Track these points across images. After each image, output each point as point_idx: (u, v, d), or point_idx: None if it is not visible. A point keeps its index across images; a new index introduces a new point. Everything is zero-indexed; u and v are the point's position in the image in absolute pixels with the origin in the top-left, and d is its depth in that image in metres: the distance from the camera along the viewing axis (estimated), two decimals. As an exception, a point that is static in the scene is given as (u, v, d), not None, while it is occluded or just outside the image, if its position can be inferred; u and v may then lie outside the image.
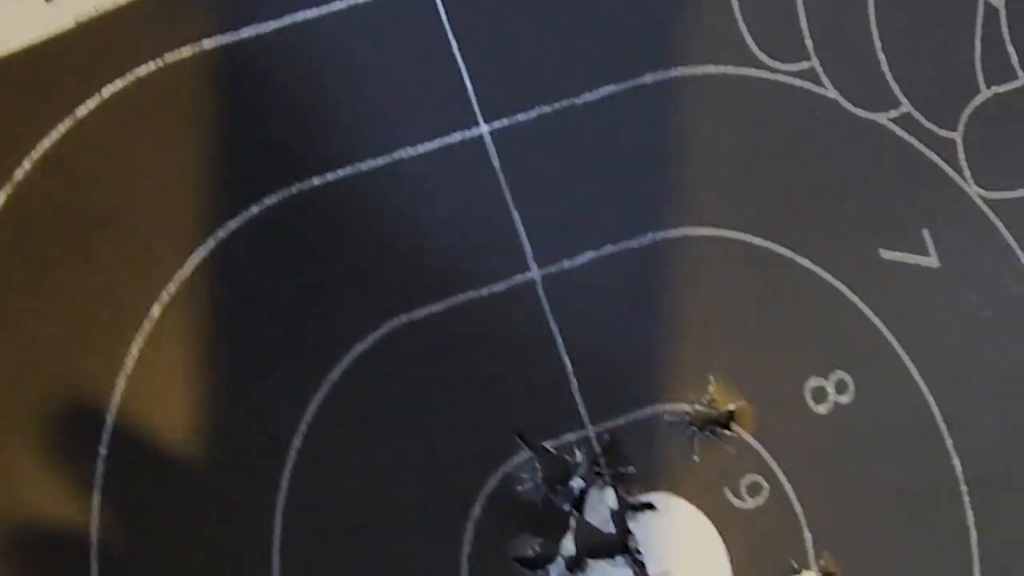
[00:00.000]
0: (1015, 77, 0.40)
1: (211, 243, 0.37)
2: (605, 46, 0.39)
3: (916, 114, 0.39)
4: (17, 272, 0.37)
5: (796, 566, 0.39)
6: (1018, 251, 0.40)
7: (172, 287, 0.37)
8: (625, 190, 0.39)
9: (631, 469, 0.39)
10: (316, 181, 0.38)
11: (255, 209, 0.37)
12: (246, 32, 0.38)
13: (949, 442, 0.40)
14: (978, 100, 0.40)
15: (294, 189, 0.38)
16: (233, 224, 0.37)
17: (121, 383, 0.36)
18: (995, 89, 0.40)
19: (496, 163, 0.39)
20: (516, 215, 0.39)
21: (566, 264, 0.39)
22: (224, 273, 0.37)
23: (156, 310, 0.37)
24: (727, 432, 0.39)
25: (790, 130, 0.39)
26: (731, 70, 0.39)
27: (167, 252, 0.37)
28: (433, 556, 0.38)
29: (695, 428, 0.39)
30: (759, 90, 0.39)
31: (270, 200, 0.38)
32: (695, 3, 0.39)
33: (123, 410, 0.37)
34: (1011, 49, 0.40)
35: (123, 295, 0.37)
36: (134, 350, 0.37)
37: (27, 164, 0.37)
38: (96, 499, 0.36)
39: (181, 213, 0.37)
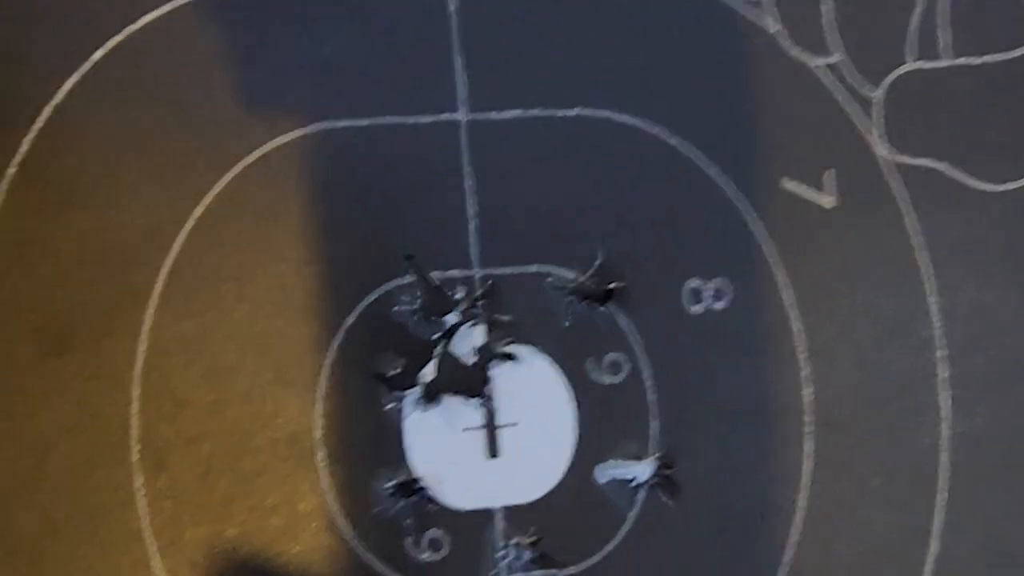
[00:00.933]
0: (938, 58, 0.44)
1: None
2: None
3: (845, 67, 0.43)
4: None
5: (637, 451, 0.42)
6: (906, 212, 0.43)
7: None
8: (565, 63, 0.42)
9: (505, 317, 0.42)
10: None
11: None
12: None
13: (805, 371, 0.43)
14: (903, 70, 0.44)
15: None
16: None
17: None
18: (920, 64, 0.43)
19: (453, 7, 0.41)
20: (459, 59, 0.41)
21: (493, 115, 0.42)
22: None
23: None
24: (601, 308, 0.42)
25: (729, 53, 0.43)
26: None
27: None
28: (301, 353, 0.40)
29: (573, 297, 0.42)
30: (709, 11, 0.43)
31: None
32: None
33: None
34: (941, 34, 0.44)
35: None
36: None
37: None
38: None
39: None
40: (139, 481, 0.39)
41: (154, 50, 0.40)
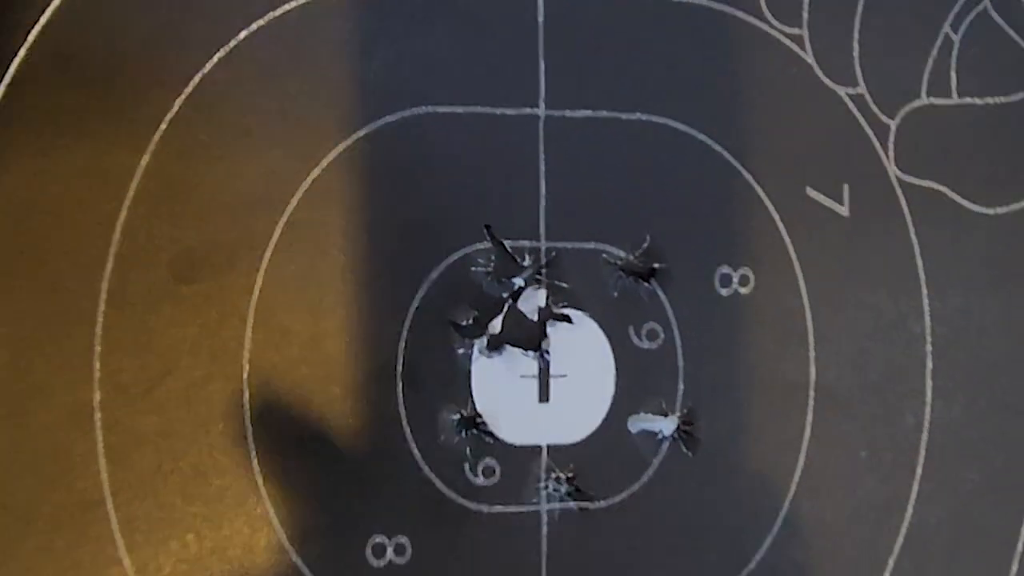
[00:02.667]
0: (950, 96, 0.49)
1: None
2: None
3: (867, 97, 0.48)
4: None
5: (664, 408, 0.47)
6: (909, 225, 0.48)
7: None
8: (631, 74, 0.47)
9: (564, 285, 0.46)
10: None
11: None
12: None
13: (812, 354, 0.47)
14: (917, 103, 0.48)
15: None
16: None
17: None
18: (932, 100, 0.49)
19: (540, 18, 0.47)
20: (542, 63, 0.47)
21: (567, 113, 0.46)
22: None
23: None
24: (645, 284, 0.46)
25: (771, 77, 0.48)
26: (738, 14, 0.48)
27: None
28: (389, 299, 0.45)
29: (622, 272, 0.46)
30: (756, 40, 0.48)
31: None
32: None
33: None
34: (953, 75, 0.49)
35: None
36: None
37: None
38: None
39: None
40: (247, 395, 0.44)
41: (289, 35, 0.45)
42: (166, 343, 0.44)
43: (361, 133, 0.45)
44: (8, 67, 0.43)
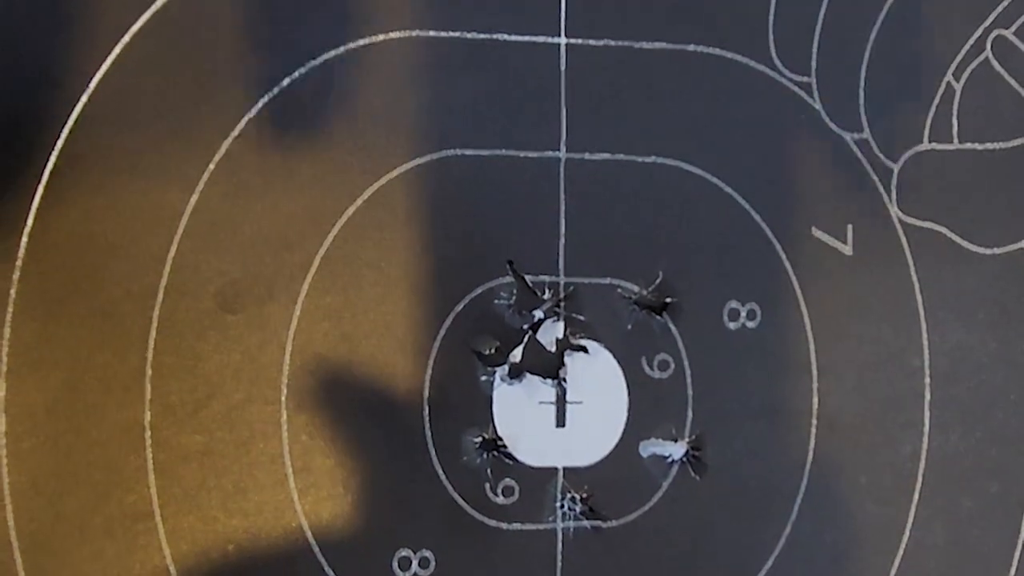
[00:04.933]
0: (951, 142, 0.50)
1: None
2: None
3: (872, 142, 0.50)
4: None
5: (674, 434, 0.48)
6: (910, 264, 0.49)
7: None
8: (647, 120, 0.48)
9: (581, 317, 0.47)
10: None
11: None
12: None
13: (815, 384, 0.48)
14: (920, 148, 0.49)
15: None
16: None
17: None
18: (934, 145, 0.50)
19: (563, 67, 0.48)
20: (564, 109, 0.48)
21: (587, 156, 0.48)
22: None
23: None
24: (658, 317, 0.48)
25: (780, 122, 0.49)
26: (749, 63, 0.50)
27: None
28: (418, 329, 0.47)
29: (636, 305, 0.48)
30: (766, 87, 0.50)
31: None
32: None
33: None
34: (955, 121, 0.50)
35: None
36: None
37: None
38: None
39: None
40: (284, 417, 0.45)
41: (329, 81, 0.47)
42: (211, 368, 0.45)
43: (394, 174, 0.47)
44: (72, 111, 0.46)
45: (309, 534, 0.46)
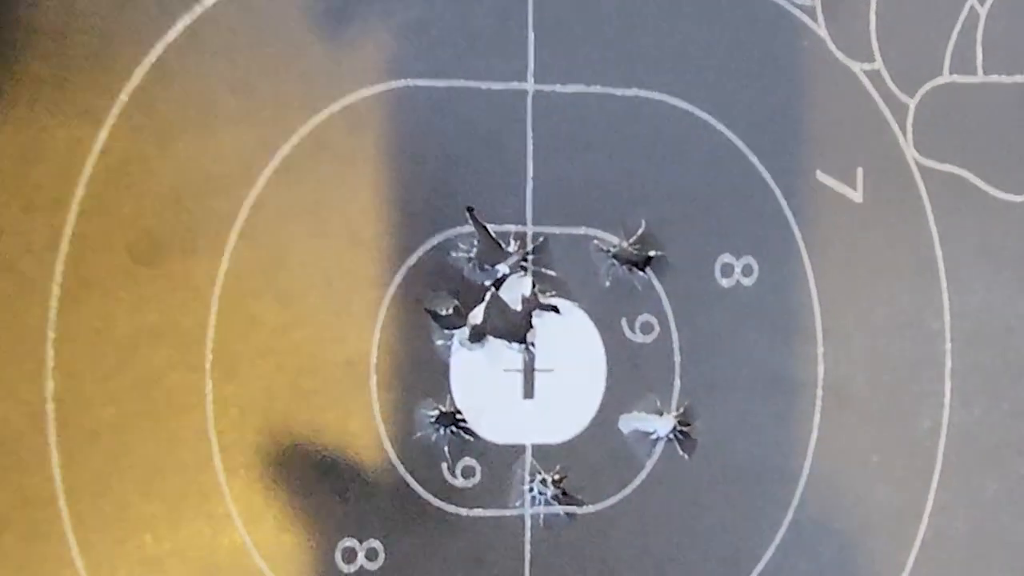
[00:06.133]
0: (975, 74, 0.47)
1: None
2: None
3: (885, 73, 0.46)
4: None
5: (659, 406, 0.45)
6: (928, 213, 0.46)
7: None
8: (627, 47, 0.45)
9: (552, 273, 0.45)
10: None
11: None
12: None
13: (821, 350, 0.46)
14: (938, 81, 0.46)
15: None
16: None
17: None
18: (954, 78, 0.46)
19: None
20: (532, 34, 0.44)
21: (558, 88, 0.45)
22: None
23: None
24: (640, 272, 0.45)
25: (779, 51, 0.46)
26: None
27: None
28: (364, 286, 0.43)
29: (615, 260, 0.45)
30: (764, 11, 0.46)
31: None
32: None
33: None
34: (979, 50, 0.47)
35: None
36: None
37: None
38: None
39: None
40: (210, 387, 0.42)
41: (258, 2, 0.43)
42: (124, 330, 0.42)
43: (335, 108, 0.44)
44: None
45: (239, 522, 0.43)
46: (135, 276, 0.42)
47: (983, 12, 0.46)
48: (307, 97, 0.43)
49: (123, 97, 0.42)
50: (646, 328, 0.45)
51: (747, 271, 0.45)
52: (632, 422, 0.45)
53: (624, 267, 0.45)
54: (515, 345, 0.44)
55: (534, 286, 0.44)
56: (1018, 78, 0.47)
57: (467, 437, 0.44)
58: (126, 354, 0.42)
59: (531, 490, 0.44)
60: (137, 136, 0.42)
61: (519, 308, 0.44)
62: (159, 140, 0.42)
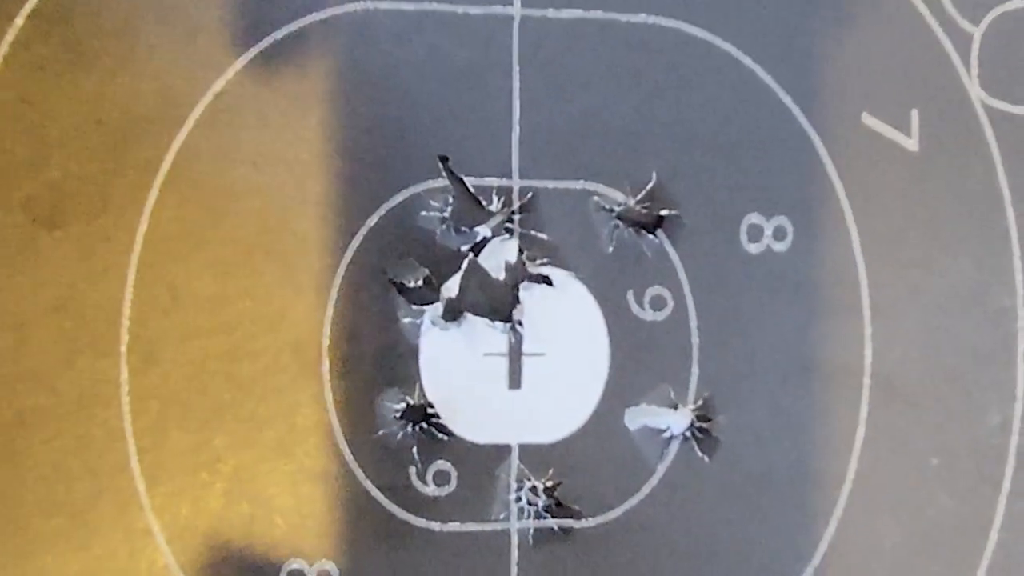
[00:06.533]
0: None
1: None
2: None
3: None
4: None
5: (673, 398, 0.41)
6: (998, 163, 0.43)
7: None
8: None
9: (543, 236, 0.41)
10: None
11: None
12: None
13: (869, 330, 0.42)
14: (1008, 6, 0.43)
15: None
16: None
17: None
18: None
19: None
20: None
21: (550, 12, 0.41)
22: None
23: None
24: (650, 236, 0.41)
25: None
26: None
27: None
28: (313, 252, 0.39)
29: (619, 221, 0.41)
30: None
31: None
32: None
33: None
34: None
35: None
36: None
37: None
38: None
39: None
40: (125, 375, 0.38)
41: None
42: (22, 306, 0.38)
43: (279, 35, 0.40)
44: None
45: (160, 538, 0.39)
46: (35, 240, 0.38)
47: (1061, -75, 0.42)
48: (245, 23, 0.40)
49: (20, 20, 0.38)
50: (657, 303, 0.42)
51: (779, 234, 0.42)
52: (641, 417, 0.42)
53: (630, 229, 0.41)
54: (498, 324, 0.41)
55: (521, 252, 0.41)
56: (1104, 3, 0.43)
57: (440, 436, 0.41)
58: (24, 335, 0.38)
59: (518, 500, 0.41)
60: (37, 68, 0.38)
61: (503, 279, 0.41)
62: (62, 73, 0.38)
